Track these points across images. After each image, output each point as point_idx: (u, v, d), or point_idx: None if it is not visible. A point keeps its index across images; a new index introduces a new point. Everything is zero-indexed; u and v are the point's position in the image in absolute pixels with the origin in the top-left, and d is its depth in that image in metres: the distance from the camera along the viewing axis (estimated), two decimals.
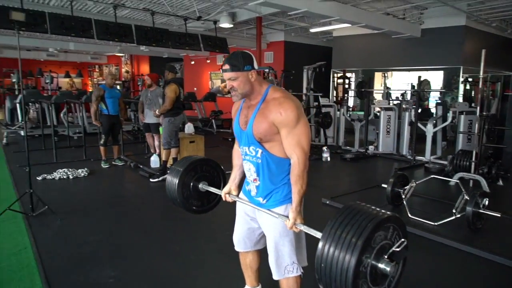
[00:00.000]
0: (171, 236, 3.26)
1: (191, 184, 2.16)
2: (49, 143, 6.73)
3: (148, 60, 16.64)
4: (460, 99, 8.72)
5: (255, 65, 1.72)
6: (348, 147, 7.71)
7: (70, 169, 5.29)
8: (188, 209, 2.18)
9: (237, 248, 2.05)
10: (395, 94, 10.83)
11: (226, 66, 1.69)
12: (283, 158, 1.72)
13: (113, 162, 5.97)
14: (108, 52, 16.18)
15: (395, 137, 7.16)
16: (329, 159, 6.57)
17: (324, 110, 7.85)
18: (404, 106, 7.37)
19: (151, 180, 5.05)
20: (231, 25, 8.70)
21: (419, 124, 6.28)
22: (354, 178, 5.81)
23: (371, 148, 7.16)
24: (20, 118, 9.09)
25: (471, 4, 7.91)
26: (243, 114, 1.78)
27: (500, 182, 4.90)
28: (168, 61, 16.97)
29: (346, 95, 10.64)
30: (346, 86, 10.53)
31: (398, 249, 1.33)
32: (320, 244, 1.32)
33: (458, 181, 3.75)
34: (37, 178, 4.97)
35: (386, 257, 1.31)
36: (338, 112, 8.29)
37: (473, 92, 9.85)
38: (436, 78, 10.54)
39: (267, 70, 9.89)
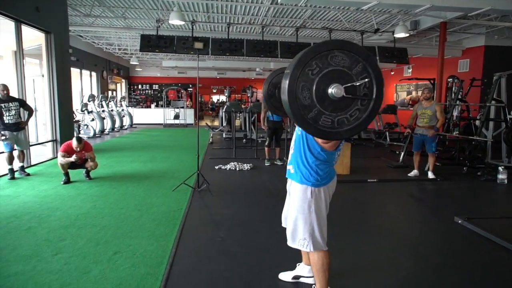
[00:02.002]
0: (276, 219, 3.76)
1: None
2: (237, 143, 8.41)
3: None
4: None
5: None
6: None
7: (239, 163, 6.59)
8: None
9: (283, 224, 2.38)
10: None
11: None
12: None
13: (274, 162, 6.96)
14: None
15: None
16: (505, 181, 5.43)
17: None
18: None
19: None
20: (407, 34, 8.34)
21: None
22: None
23: None
24: (223, 124, 11.57)
25: None
26: None
27: None
28: None
29: None
30: None
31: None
32: None
33: None
34: (215, 167, 6.47)
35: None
36: None
37: None
38: None
39: (450, 80, 8.87)
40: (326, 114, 1.53)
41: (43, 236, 3.21)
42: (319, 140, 1.91)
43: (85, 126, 11.82)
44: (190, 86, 20.32)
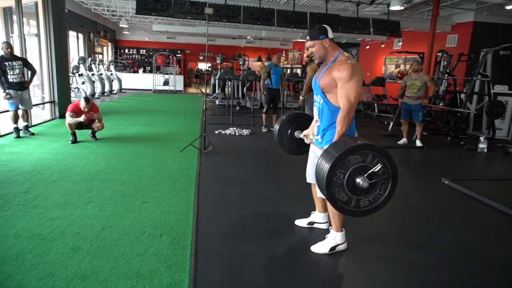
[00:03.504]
0: (282, 178, 4.12)
1: (289, 131, 2.95)
2: (228, 110, 8.61)
3: None
4: None
5: (330, 35, 2.31)
6: None
7: (238, 129, 6.85)
8: (284, 149, 3.01)
9: (308, 180, 2.71)
10: None
11: (307, 37, 2.36)
12: (336, 107, 2.27)
13: (271, 128, 7.24)
14: (293, 38, 18.00)
15: None
16: (485, 150, 5.94)
17: (499, 99, 6.92)
18: None
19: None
20: (402, 8, 8.53)
21: None
22: (501, 170, 5.19)
23: None
24: (216, 91, 11.68)
25: None
26: (319, 71, 2.42)
27: None
28: (346, 46, 17.45)
29: None
30: None
31: (375, 170, 1.76)
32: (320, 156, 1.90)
33: None
34: (215, 131, 6.72)
35: (365, 175, 1.77)
36: None
37: None
38: None
39: (439, 54, 9.21)
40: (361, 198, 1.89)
41: (70, 188, 3.44)
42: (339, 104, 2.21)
43: (76, 89, 11.70)
44: (179, 52, 20.01)
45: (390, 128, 7.50)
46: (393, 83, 12.83)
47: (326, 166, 1.77)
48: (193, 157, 4.81)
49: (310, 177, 2.67)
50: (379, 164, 1.79)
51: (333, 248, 2.43)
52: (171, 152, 5.03)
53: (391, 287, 2.13)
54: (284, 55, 21.20)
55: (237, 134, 6.68)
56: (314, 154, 2.58)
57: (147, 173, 4.02)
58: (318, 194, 2.48)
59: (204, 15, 8.38)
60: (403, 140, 6.30)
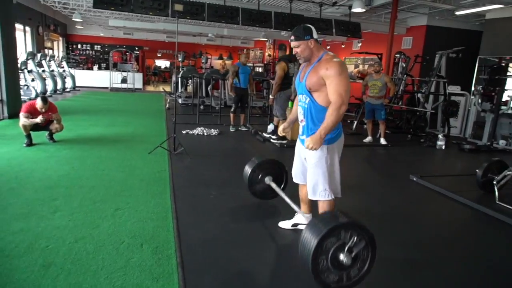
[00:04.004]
0: None
1: (260, 176, 3.11)
2: (197, 109, 8.41)
3: (289, 45, 17.78)
4: None
5: (314, 35, 2.29)
6: (475, 140, 7.08)
7: (205, 128, 6.70)
8: (252, 192, 3.15)
9: (294, 180, 2.68)
10: None
11: (292, 37, 2.31)
12: (323, 107, 2.26)
13: (238, 128, 7.17)
14: (255, 37, 18.04)
15: None
16: (443, 147, 6.30)
17: (453, 98, 7.37)
18: None
19: (271, 139, 6.06)
20: (364, 10, 8.81)
21: None
22: (460, 166, 5.54)
23: (502, 142, 6.46)
24: (179, 89, 11.37)
25: None
26: (303, 71, 2.38)
27: None
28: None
29: (498, 87, 9.38)
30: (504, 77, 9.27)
31: (352, 243, 1.80)
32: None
33: None
34: (182, 131, 6.51)
35: (345, 251, 1.80)
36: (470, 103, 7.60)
37: None
38: None
39: (397, 55, 9.63)
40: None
41: (31, 196, 3.14)
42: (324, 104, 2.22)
43: (25, 87, 10.84)
44: (137, 48, 19.27)
45: (354, 127, 7.72)
46: (353, 82, 13.25)
47: (308, 260, 1.80)
48: (163, 159, 4.62)
49: (298, 177, 2.64)
50: (353, 236, 1.82)
51: None
52: (139, 154, 4.79)
53: (377, 285, 2.16)
54: (245, 53, 21.20)
55: (205, 134, 6.53)
56: (300, 154, 2.54)
57: (117, 178, 3.79)
58: (309, 196, 2.45)
59: (166, 12, 8.12)
60: (368, 139, 6.51)
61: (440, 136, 6.38)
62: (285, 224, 2.83)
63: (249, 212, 3.15)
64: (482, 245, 2.85)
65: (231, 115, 7.03)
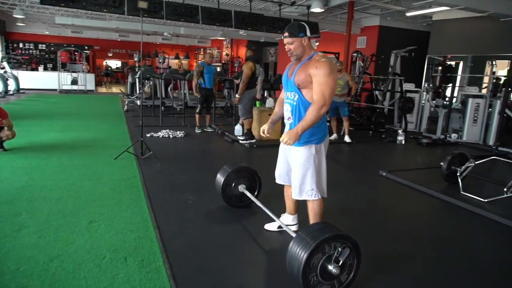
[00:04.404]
0: None
1: (233, 184, 3.05)
2: (158, 111, 8.13)
3: (246, 44, 17.80)
4: None
5: (308, 33, 2.28)
6: (430, 134, 7.54)
7: (170, 131, 6.49)
8: (226, 201, 3.09)
9: (278, 181, 2.65)
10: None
11: (286, 34, 2.29)
12: (311, 103, 2.25)
13: (204, 129, 7.03)
14: (212, 36, 17.84)
15: (483, 126, 6.78)
16: (403, 142, 6.62)
17: (409, 95, 7.78)
18: (499, 94, 6.89)
19: (240, 141, 5.98)
20: (322, 10, 9.01)
21: (508, 112, 5.90)
22: (422, 160, 5.85)
23: (454, 136, 6.93)
24: (138, 91, 10.93)
25: None
26: (292, 68, 2.37)
27: None
28: (264, 45, 17.91)
29: (444, 84, 10.08)
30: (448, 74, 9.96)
31: (337, 254, 1.83)
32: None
33: None
34: (147, 135, 6.25)
35: (332, 262, 1.83)
36: (425, 100, 8.09)
37: None
38: None
39: (355, 54, 9.98)
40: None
41: None
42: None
43: None
44: (86, 48, 18.25)
45: None
46: None
47: (299, 280, 1.80)
48: (131, 165, 4.39)
49: (282, 178, 2.61)
50: (337, 247, 1.84)
51: None
52: (104, 160, 4.52)
53: (360, 277, 2.20)
54: (202, 53, 20.85)
55: (171, 136, 6.32)
56: (286, 154, 2.52)
57: (84, 187, 3.53)
58: (294, 196, 2.43)
59: (122, 9, 7.73)
60: (334, 136, 6.67)
61: (400, 131, 6.70)
62: (271, 226, 2.80)
63: (231, 215, 3.07)
64: (452, 233, 3.01)
65: (197, 116, 6.87)
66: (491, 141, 6.56)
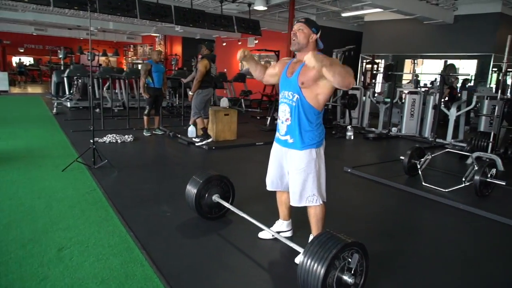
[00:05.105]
0: None
1: (206, 195, 2.83)
2: (97, 114, 7.40)
3: (181, 41, 17.21)
4: (489, 87, 8.77)
5: (318, 34, 2.24)
6: (372, 129, 8.02)
7: (117, 135, 5.95)
8: (201, 215, 2.85)
9: (270, 188, 2.53)
10: (424, 81, 10.89)
11: (302, 20, 2.24)
12: (313, 107, 2.18)
13: (153, 132, 6.59)
14: (144, 32, 16.88)
15: (418, 120, 7.41)
16: (352, 137, 6.94)
17: (351, 92, 8.17)
18: (430, 90, 7.58)
19: (196, 143, 5.68)
20: (265, 8, 9.04)
21: (443, 108, 6.51)
22: (375, 154, 6.19)
23: (394, 129, 7.45)
24: (67, 91, 9.89)
25: None
26: (291, 67, 2.27)
27: None
28: (200, 42, 17.46)
29: (374, 80, 10.85)
30: (375, 71, 10.73)
31: (350, 263, 1.79)
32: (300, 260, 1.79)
33: (471, 155, 4.08)
34: (90, 141, 5.64)
35: (345, 271, 1.78)
36: (364, 96, 8.58)
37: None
38: (470, 66, 10.56)
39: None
40: None
41: None
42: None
43: None
44: None
45: (268, 123, 7.90)
46: (250, 78, 13.57)
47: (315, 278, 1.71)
48: (85, 176, 3.91)
49: (275, 184, 2.50)
50: (347, 257, 1.80)
51: None
52: (50, 173, 3.96)
53: None
54: (132, 49, 19.67)
55: (119, 141, 5.79)
56: (279, 159, 2.40)
57: (36, 207, 3.03)
58: (293, 203, 2.34)
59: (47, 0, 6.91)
60: None
61: (348, 127, 7.00)
62: (265, 235, 2.67)
63: (219, 226, 2.87)
64: (421, 221, 3.22)
65: (145, 118, 6.40)
66: (426, 133, 7.19)
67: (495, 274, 2.40)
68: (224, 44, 15.21)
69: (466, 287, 2.24)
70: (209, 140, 5.73)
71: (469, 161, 5.21)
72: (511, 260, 2.61)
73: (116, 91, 10.73)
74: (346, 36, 12.09)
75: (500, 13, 8.68)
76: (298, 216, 2.66)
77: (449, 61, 8.35)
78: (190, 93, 5.64)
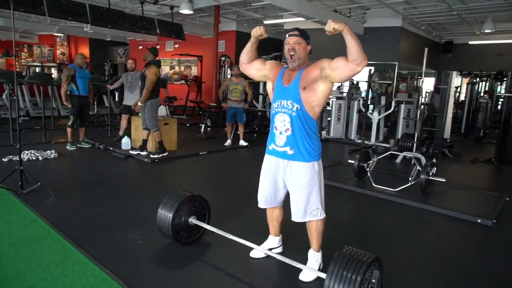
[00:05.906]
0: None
1: (182, 219, 2.57)
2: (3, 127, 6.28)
3: (87, 42, 15.71)
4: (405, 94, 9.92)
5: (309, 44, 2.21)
6: None
7: (37, 151, 5.11)
8: (178, 241, 2.58)
9: (263, 205, 2.42)
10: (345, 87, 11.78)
11: (296, 32, 2.15)
12: (312, 118, 2.15)
13: (78, 145, 5.84)
14: (40, 31, 14.94)
15: (344, 123, 7.99)
16: None
17: None
18: (354, 95, 8.24)
19: (151, 157, 5.18)
20: (191, 12, 8.78)
21: (369, 114, 7.13)
22: None
23: (323, 133, 7.90)
24: None
25: (406, 8, 9.04)
26: (287, 75, 2.20)
27: (434, 160, 5.90)
28: (111, 45, 16.18)
29: None
30: None
31: (373, 281, 1.82)
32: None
33: (413, 156, 4.55)
34: (3, 159, 4.75)
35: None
36: None
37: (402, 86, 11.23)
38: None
39: (223, 58, 10.16)
40: None
41: None
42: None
43: None
44: None
45: (202, 131, 7.67)
46: (170, 84, 13.07)
47: None
48: (14, 205, 3.26)
49: (269, 201, 2.41)
50: (370, 277, 1.80)
51: (319, 268, 2.33)
52: None
53: None
54: (26, 50, 17.24)
55: (40, 158, 4.99)
56: (273, 174, 2.31)
57: None
58: (295, 218, 2.28)
59: None
60: (229, 142, 6.61)
61: None
62: (257, 254, 2.54)
63: (200, 251, 2.63)
64: (377, 219, 3.47)
65: (68, 130, 5.64)
66: (352, 136, 7.79)
67: (454, 256, 2.69)
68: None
69: (430, 272, 2.45)
70: (165, 154, 5.32)
71: (398, 160, 5.80)
72: (468, 247, 2.95)
73: (14, 97, 9.26)
74: (266, 43, 12.36)
75: (401, 27, 9.92)
76: (284, 229, 2.61)
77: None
78: (139, 103, 5.13)
